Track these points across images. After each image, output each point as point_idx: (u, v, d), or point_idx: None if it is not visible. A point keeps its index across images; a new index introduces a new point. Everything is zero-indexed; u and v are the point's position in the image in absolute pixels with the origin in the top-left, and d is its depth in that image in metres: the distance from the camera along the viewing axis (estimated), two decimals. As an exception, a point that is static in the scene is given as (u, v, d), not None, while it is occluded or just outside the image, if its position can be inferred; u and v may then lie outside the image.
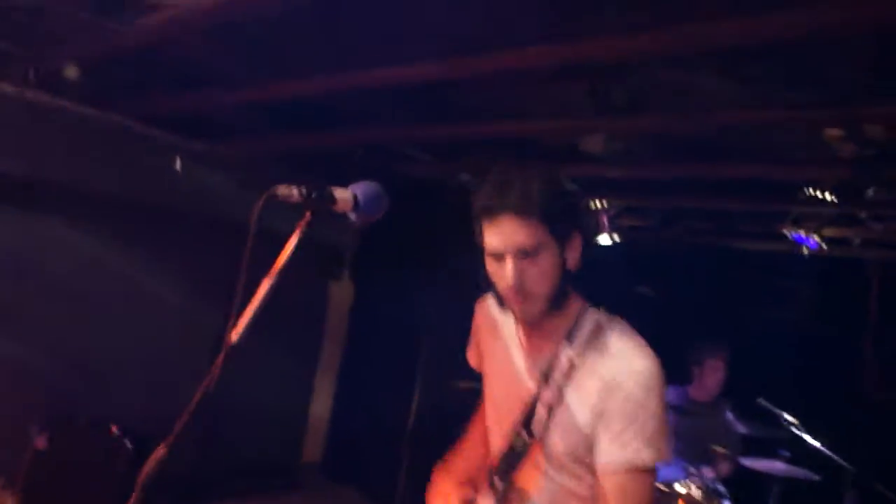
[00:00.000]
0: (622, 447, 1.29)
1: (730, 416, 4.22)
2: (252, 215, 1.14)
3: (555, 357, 1.39)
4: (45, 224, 4.33)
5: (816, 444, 3.86)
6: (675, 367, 4.31)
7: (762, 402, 4.04)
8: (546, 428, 1.37)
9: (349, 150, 4.17)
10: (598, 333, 1.38)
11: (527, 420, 1.40)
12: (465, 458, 1.68)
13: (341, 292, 6.08)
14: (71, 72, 3.86)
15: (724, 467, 3.96)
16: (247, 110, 3.85)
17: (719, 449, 3.74)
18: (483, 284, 1.43)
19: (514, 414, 1.43)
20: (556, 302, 1.39)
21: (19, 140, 3.93)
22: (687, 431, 4.22)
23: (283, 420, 5.66)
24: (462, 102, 3.10)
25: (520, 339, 1.49)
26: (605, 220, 4.79)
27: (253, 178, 4.10)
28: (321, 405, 5.97)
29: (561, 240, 1.36)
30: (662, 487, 3.66)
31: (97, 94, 3.98)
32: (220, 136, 4.28)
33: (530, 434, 1.40)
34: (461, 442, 1.73)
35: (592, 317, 1.43)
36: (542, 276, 1.34)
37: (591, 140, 3.07)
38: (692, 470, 3.74)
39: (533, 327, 1.45)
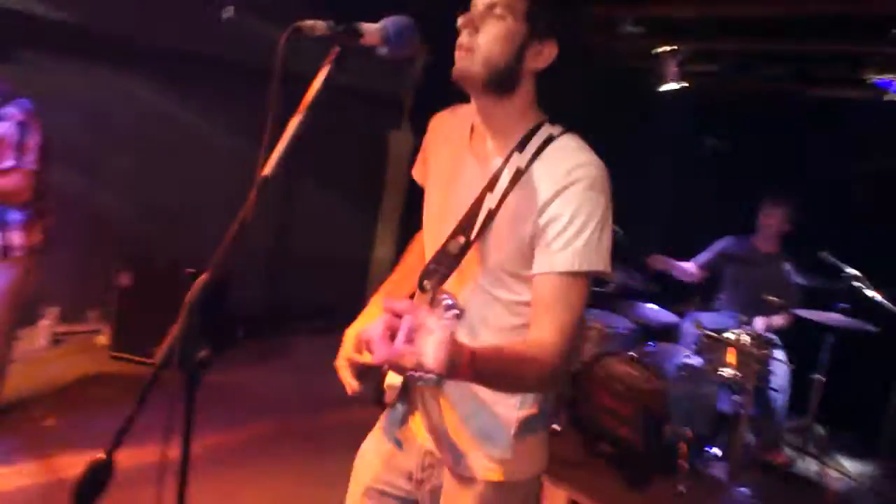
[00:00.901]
0: (563, 251, 1.25)
1: (788, 267, 4.17)
2: (277, 51, 1.13)
3: (504, 163, 1.34)
4: (111, 76, 4.44)
5: (876, 295, 3.80)
6: (740, 218, 4.29)
7: (825, 255, 3.96)
8: (485, 234, 1.33)
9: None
10: (549, 143, 1.34)
11: (465, 225, 1.35)
12: (398, 284, 1.63)
13: (400, 142, 6.09)
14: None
15: (779, 318, 3.97)
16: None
17: (773, 299, 3.73)
18: None
19: (452, 221, 1.38)
20: (500, 80, 1.30)
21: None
22: (744, 280, 4.22)
23: (348, 266, 5.93)
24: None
25: (471, 147, 1.43)
26: (672, 65, 4.54)
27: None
28: (383, 252, 6.20)
29: (534, 27, 1.29)
30: (712, 335, 3.73)
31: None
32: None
33: (467, 239, 1.34)
34: (395, 269, 1.69)
35: (548, 130, 1.36)
36: (495, 37, 1.27)
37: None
38: (743, 318, 3.77)
39: (483, 133, 1.40)
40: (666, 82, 4.62)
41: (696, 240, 4.53)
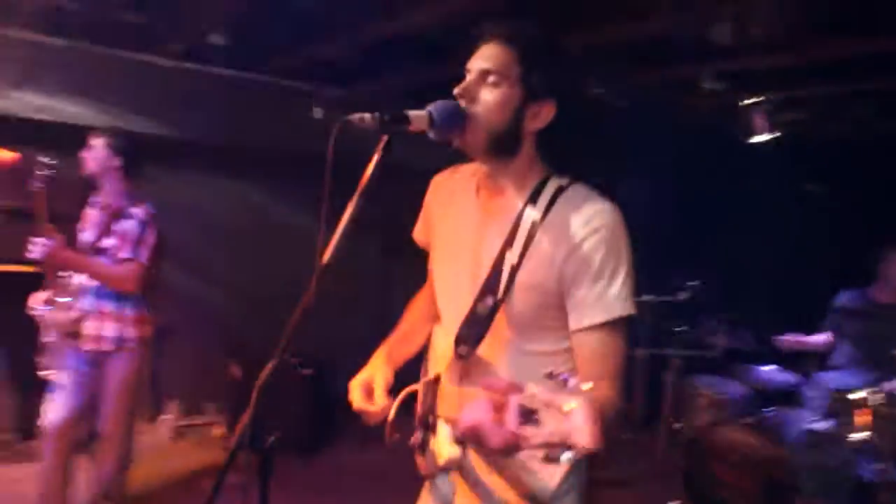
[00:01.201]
0: (599, 302, 1.26)
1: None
2: (329, 143, 1.21)
3: (518, 218, 1.34)
4: (213, 180, 4.85)
5: None
6: (852, 270, 4.00)
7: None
8: (510, 291, 1.31)
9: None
10: (561, 193, 1.34)
11: (490, 285, 1.34)
12: (401, 342, 1.65)
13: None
14: (216, 38, 4.19)
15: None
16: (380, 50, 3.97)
17: (904, 354, 3.40)
18: None
19: (472, 282, 1.37)
20: (502, 144, 1.33)
21: (179, 106, 4.37)
22: (866, 335, 3.88)
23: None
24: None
25: (479, 205, 1.43)
26: (760, 116, 4.41)
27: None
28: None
29: (530, 90, 1.31)
30: (842, 396, 3.43)
31: (239, 57, 4.29)
32: (354, 81, 4.48)
33: (495, 299, 1.33)
34: (396, 327, 1.70)
35: (556, 181, 1.37)
36: (493, 104, 1.30)
37: (719, 30, 2.81)
38: (872, 377, 3.45)
39: (492, 191, 1.41)
40: (756, 134, 4.48)
41: (807, 294, 4.24)
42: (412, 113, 1.28)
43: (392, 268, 5.56)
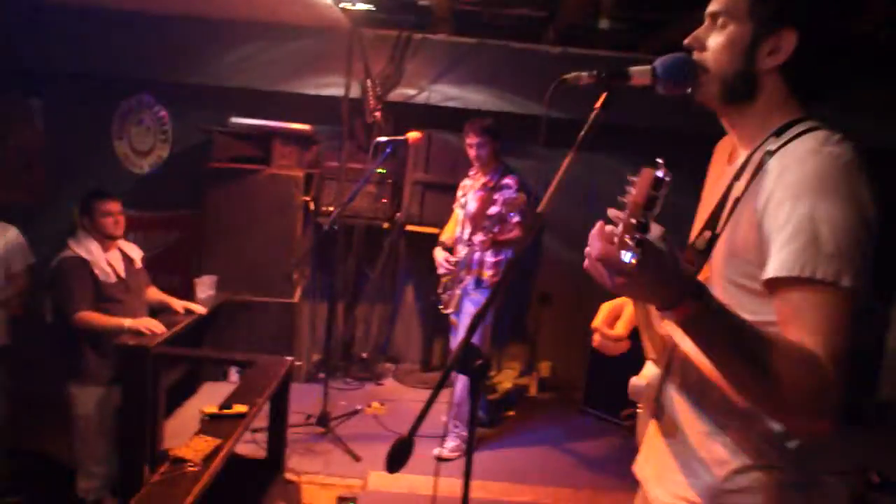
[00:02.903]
0: (785, 248, 1.02)
1: None
2: (545, 102, 1.30)
3: (752, 153, 1.20)
4: (591, 155, 5.08)
5: None
6: None
7: None
8: (731, 224, 1.16)
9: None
10: (804, 133, 1.10)
11: (712, 218, 1.21)
12: None
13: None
14: (603, 23, 4.40)
15: None
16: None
17: None
18: None
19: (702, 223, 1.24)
20: (737, 89, 1.19)
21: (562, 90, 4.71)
22: None
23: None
24: None
25: (729, 163, 1.29)
26: None
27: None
28: (898, 339, 5.17)
29: (759, 22, 1.14)
30: None
31: (620, 39, 4.41)
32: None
33: (713, 231, 1.19)
34: None
35: (804, 125, 1.12)
36: (720, 46, 1.19)
37: None
38: None
39: (737, 146, 1.27)
40: None
41: None
42: (634, 69, 1.28)
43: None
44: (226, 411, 2.59)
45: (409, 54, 4.59)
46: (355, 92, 4.63)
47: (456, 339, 3.98)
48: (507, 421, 4.52)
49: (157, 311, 3.75)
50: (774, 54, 1.17)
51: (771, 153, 1.14)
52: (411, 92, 4.64)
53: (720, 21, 1.21)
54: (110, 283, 3.48)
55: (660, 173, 0.91)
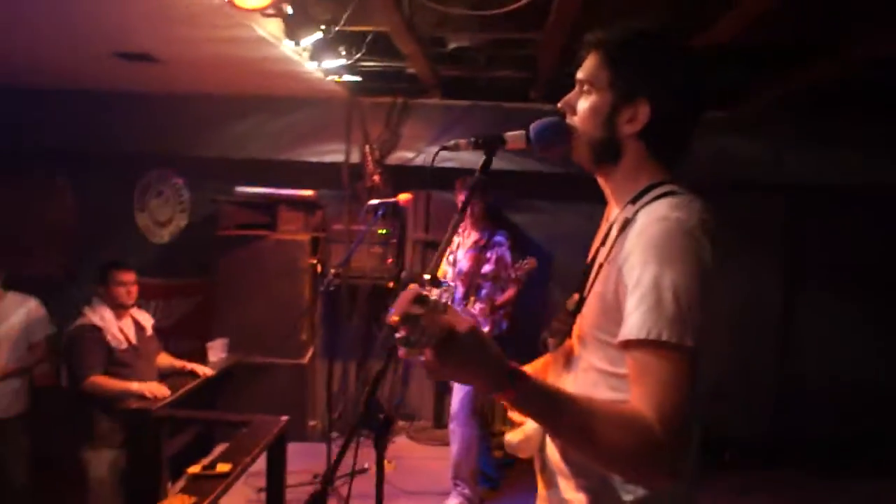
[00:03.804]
0: (634, 313, 1.09)
1: None
2: (430, 165, 1.41)
3: (616, 217, 1.25)
4: (595, 210, 5.13)
5: None
6: None
7: None
8: (588, 292, 1.24)
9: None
10: (662, 197, 1.17)
11: (581, 281, 1.29)
12: None
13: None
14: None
15: None
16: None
17: None
18: None
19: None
20: (602, 152, 1.28)
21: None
22: None
23: (878, 396, 4.95)
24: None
25: (606, 215, 1.36)
26: None
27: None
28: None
29: (620, 93, 1.22)
30: None
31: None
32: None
33: (581, 294, 1.27)
34: None
35: (668, 188, 1.19)
36: (586, 112, 1.28)
37: None
38: None
39: (611, 200, 1.34)
40: None
41: None
42: (509, 134, 1.37)
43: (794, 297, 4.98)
44: (209, 471, 2.68)
45: (404, 119, 4.79)
46: (355, 157, 4.83)
47: (452, 398, 3.98)
48: (516, 478, 4.46)
49: (167, 376, 3.91)
50: (632, 122, 1.25)
51: (629, 219, 1.22)
52: (409, 154, 4.82)
53: (585, 88, 1.30)
54: (122, 350, 3.66)
55: (426, 291, 0.99)
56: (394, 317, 0.99)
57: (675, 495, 1.18)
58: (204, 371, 3.96)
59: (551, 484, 1.32)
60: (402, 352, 1.01)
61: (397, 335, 0.99)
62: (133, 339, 3.74)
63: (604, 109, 1.27)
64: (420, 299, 0.98)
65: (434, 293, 0.99)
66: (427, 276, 1.03)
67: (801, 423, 4.99)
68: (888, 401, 5.02)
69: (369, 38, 3.60)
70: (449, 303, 1.03)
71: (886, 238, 5.01)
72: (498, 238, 3.82)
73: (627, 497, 1.17)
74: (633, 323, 1.09)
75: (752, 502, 4.36)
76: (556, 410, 1.07)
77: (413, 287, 1.00)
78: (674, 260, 1.09)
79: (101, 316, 3.65)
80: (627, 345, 1.11)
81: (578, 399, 1.10)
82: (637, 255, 1.13)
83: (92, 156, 5.06)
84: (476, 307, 3.62)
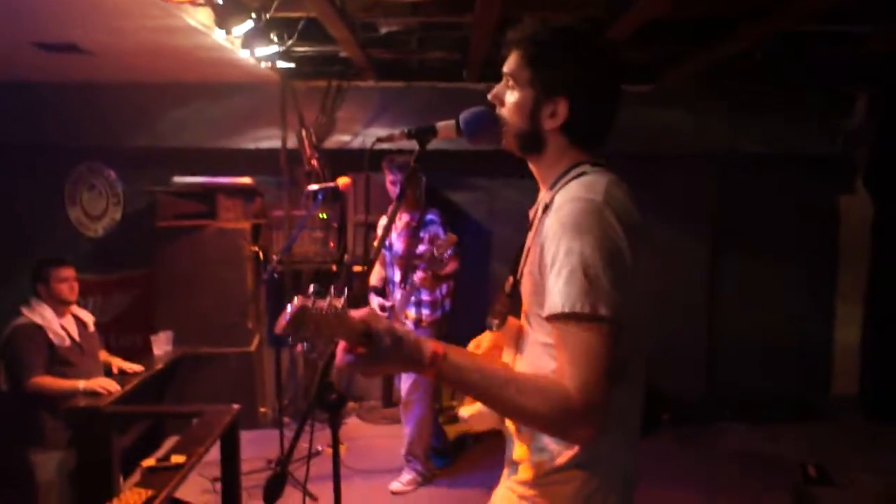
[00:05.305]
0: (553, 289, 1.19)
1: None
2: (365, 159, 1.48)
3: (541, 202, 1.36)
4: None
5: None
6: None
7: None
8: (521, 275, 1.36)
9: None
10: (578, 178, 1.29)
11: (515, 264, 1.41)
12: None
13: (857, 208, 5.28)
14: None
15: None
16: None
17: None
18: None
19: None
20: (528, 143, 1.38)
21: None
22: None
23: (799, 351, 5.30)
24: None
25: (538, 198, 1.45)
26: None
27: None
28: (847, 335, 5.34)
29: (540, 90, 1.33)
30: None
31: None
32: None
33: (515, 277, 1.40)
34: None
35: (585, 168, 1.31)
36: (512, 107, 1.37)
37: None
38: None
39: (540, 184, 1.44)
40: None
41: None
42: (440, 124, 1.46)
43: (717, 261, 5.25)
44: (163, 463, 2.70)
45: (340, 102, 4.80)
46: (292, 142, 4.81)
47: (399, 381, 4.07)
48: (473, 452, 4.56)
49: (110, 373, 3.86)
50: (553, 118, 1.34)
51: (548, 203, 1.32)
52: (346, 138, 4.84)
53: (510, 82, 1.38)
54: (65, 347, 3.59)
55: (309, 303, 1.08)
56: (279, 327, 1.08)
57: (611, 450, 1.30)
58: (132, 368, 3.92)
59: (509, 445, 1.45)
60: (298, 347, 1.13)
61: (290, 340, 1.09)
62: (76, 336, 3.68)
63: (527, 105, 1.36)
64: (303, 310, 1.06)
65: (320, 303, 1.07)
66: (312, 289, 1.11)
67: (732, 380, 5.29)
68: (809, 356, 5.39)
69: (301, 24, 3.59)
70: (344, 306, 1.11)
71: (806, 204, 5.32)
72: (430, 217, 3.88)
73: (568, 451, 1.28)
74: (551, 298, 1.20)
75: (689, 451, 4.62)
76: (477, 383, 1.19)
77: (299, 299, 1.08)
78: (582, 235, 1.18)
79: (42, 315, 3.57)
80: (549, 319, 1.22)
81: (499, 371, 1.24)
82: (552, 234, 1.23)
83: (16, 149, 4.88)
84: (417, 276, 3.65)
